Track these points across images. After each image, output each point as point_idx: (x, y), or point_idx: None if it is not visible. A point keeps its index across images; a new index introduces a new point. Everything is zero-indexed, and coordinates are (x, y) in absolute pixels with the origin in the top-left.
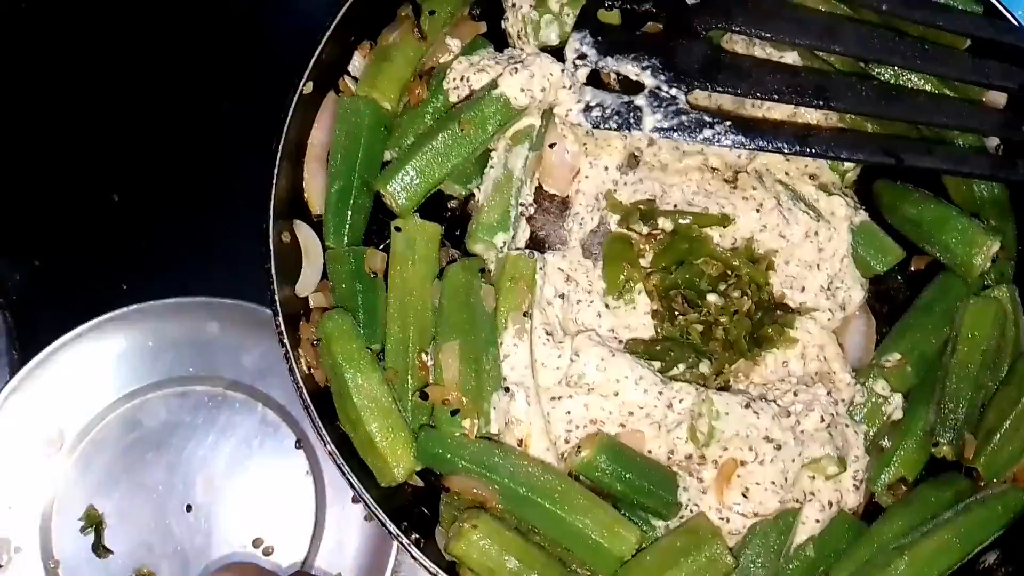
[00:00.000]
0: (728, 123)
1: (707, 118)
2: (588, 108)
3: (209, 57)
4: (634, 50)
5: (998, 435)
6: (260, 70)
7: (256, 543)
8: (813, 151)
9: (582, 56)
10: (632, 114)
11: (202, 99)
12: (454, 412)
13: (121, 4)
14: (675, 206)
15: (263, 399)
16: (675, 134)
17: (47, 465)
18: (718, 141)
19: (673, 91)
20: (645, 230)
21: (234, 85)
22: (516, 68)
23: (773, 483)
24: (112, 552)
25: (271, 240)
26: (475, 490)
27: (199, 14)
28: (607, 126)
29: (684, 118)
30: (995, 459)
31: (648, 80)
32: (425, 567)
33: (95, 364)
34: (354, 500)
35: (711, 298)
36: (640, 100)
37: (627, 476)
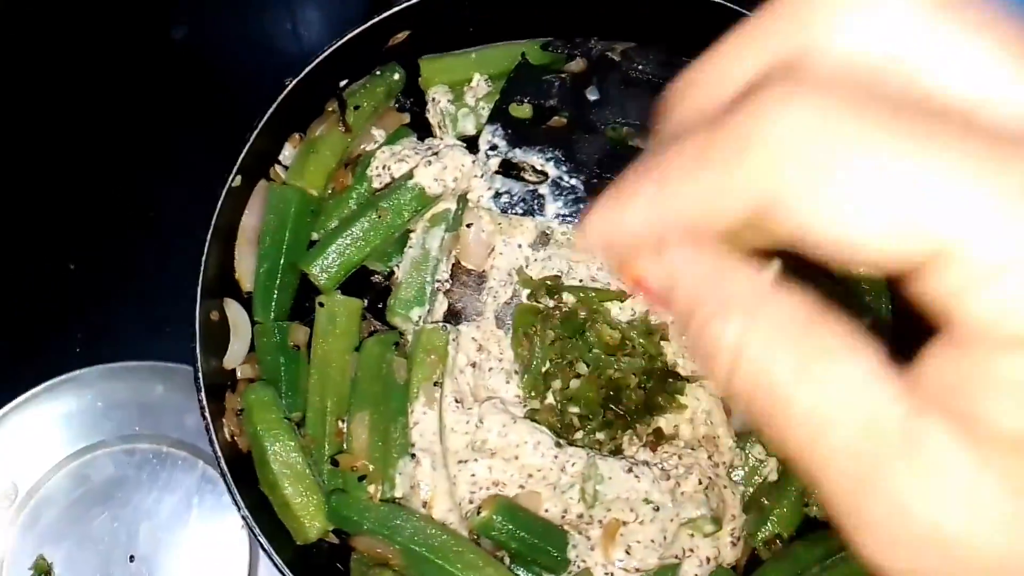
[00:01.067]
0: None
1: None
2: (498, 195)
3: (159, 139)
4: (539, 142)
5: None
6: (211, 154)
7: None
8: None
9: (493, 147)
10: (536, 201)
11: (156, 179)
12: (361, 478)
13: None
14: (580, 281)
15: (204, 457)
16: (574, 220)
17: (1, 517)
18: None
19: (573, 180)
20: (551, 303)
21: (180, 170)
22: (430, 160)
23: (652, 541)
24: None
25: (197, 319)
26: (378, 549)
27: (151, 108)
28: (514, 211)
29: (582, 205)
30: None
31: (551, 170)
32: None
33: (47, 423)
34: None
35: (607, 366)
36: (543, 189)
37: (520, 534)
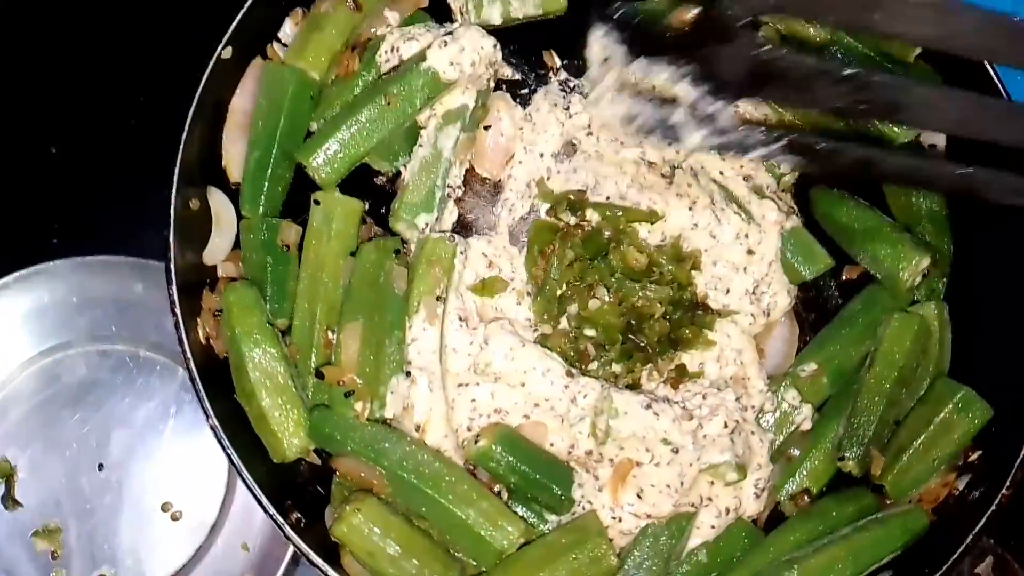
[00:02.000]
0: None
1: (760, 135)
2: (630, 120)
3: (150, 13)
4: (666, 52)
5: (907, 455)
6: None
7: (165, 507)
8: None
9: (606, 59)
10: (671, 130)
11: (146, 59)
12: (348, 394)
13: None
14: (607, 198)
15: (184, 364)
16: (724, 150)
17: None
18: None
19: (716, 105)
20: (573, 220)
21: (174, 45)
22: (446, 41)
23: (668, 486)
24: (21, 505)
25: (173, 204)
26: (362, 473)
27: None
28: (652, 139)
29: (731, 136)
30: (902, 478)
31: (685, 91)
32: (298, 548)
33: (16, 316)
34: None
35: (630, 293)
36: (678, 115)
37: (521, 468)
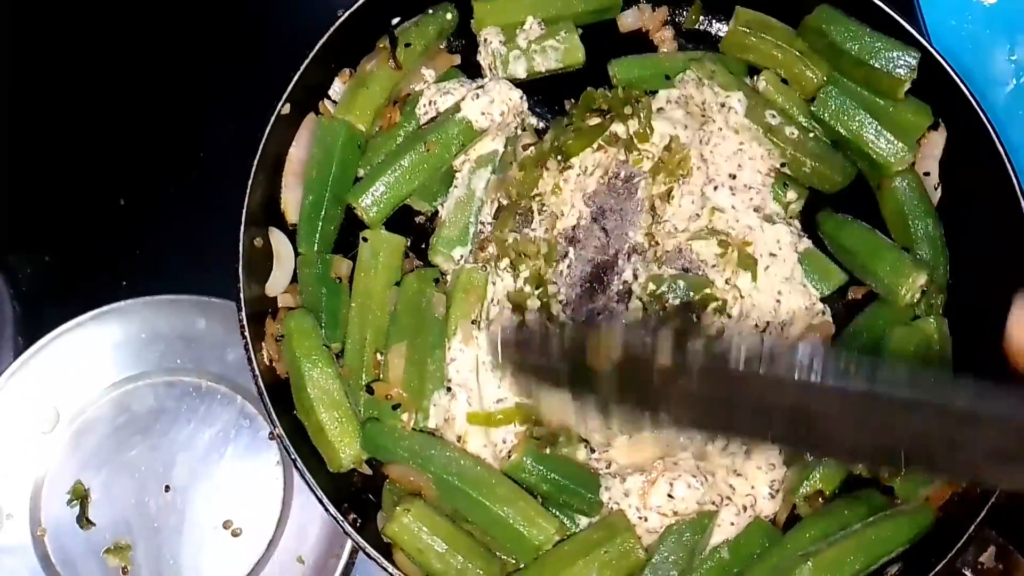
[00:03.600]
0: None
1: None
2: None
3: (209, 76)
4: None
5: None
6: (259, 92)
7: (226, 524)
8: None
9: None
10: None
11: (206, 117)
12: (395, 407)
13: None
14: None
15: (243, 392)
16: None
17: (42, 442)
18: None
19: None
20: None
21: (232, 104)
22: (478, 94)
23: (693, 477)
24: (94, 524)
25: (241, 243)
26: (411, 478)
27: (199, 43)
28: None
29: None
30: (910, 480)
31: None
32: (358, 544)
33: (92, 351)
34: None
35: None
36: None
37: (552, 476)
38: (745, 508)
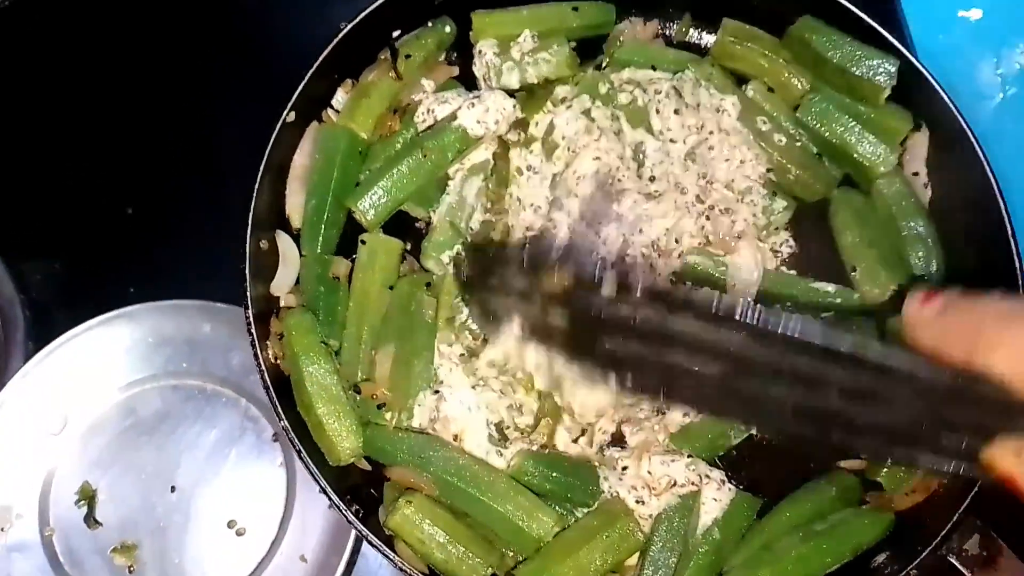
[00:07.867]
0: None
1: None
2: None
3: (216, 87)
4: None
5: None
6: (265, 102)
7: (230, 524)
8: None
9: None
10: None
11: (212, 126)
12: (380, 406)
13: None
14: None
15: (247, 395)
16: None
17: (51, 443)
18: None
19: None
20: None
21: (239, 114)
22: (473, 103)
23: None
24: (101, 524)
25: (247, 245)
26: (412, 479)
27: (207, 57)
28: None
29: None
30: (894, 473)
31: None
32: (361, 533)
33: (100, 355)
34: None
35: None
36: None
37: (554, 476)
38: (723, 482)
